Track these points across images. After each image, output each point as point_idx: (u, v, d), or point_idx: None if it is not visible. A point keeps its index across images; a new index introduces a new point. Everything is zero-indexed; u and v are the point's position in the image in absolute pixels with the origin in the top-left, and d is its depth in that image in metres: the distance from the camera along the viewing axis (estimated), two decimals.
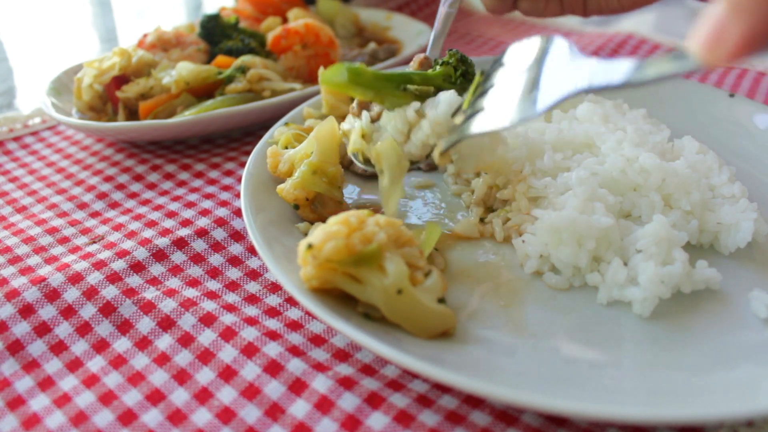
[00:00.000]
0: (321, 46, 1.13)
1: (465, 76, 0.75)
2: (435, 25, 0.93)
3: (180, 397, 0.60)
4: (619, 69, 0.52)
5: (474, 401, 0.58)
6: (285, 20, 1.26)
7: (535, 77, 0.61)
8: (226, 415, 0.58)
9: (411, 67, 0.82)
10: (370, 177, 0.89)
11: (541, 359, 0.59)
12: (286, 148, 0.83)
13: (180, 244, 0.80)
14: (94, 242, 0.82)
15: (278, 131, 0.87)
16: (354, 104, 0.79)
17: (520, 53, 0.66)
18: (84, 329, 0.68)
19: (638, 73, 0.51)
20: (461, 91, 0.74)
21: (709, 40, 0.45)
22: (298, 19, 1.20)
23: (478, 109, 0.66)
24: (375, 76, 0.72)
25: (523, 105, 0.60)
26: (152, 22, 1.70)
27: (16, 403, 0.60)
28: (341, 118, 0.92)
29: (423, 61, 0.81)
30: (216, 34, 1.16)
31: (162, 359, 0.64)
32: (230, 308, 0.70)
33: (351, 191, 0.86)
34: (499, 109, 0.64)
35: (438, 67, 0.76)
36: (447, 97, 0.71)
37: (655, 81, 0.50)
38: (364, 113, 0.76)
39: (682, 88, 1.02)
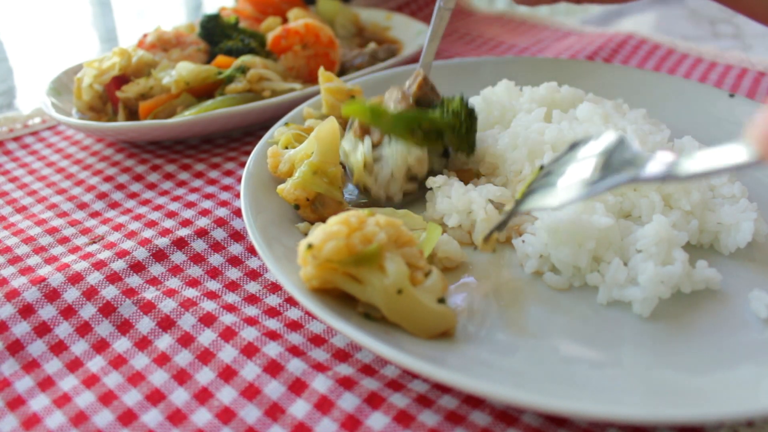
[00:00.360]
0: (321, 46, 1.13)
1: (468, 131, 0.81)
2: (431, 23, 0.93)
3: (180, 397, 0.60)
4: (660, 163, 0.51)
5: (474, 401, 0.58)
6: (285, 20, 1.26)
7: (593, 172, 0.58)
8: (226, 415, 0.58)
9: (409, 86, 0.86)
10: None
11: (541, 359, 0.59)
12: (287, 148, 0.83)
13: (180, 244, 0.80)
14: (94, 242, 0.82)
15: (278, 131, 0.87)
16: (356, 125, 0.82)
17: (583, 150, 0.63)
18: (84, 329, 0.68)
19: (681, 169, 0.49)
20: (460, 142, 0.81)
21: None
22: (298, 19, 1.20)
23: (533, 191, 0.64)
24: (394, 119, 0.78)
25: (577, 187, 0.57)
26: (152, 22, 1.70)
27: (16, 403, 0.60)
28: (341, 118, 0.93)
29: (422, 83, 0.85)
30: (216, 34, 1.16)
31: (162, 359, 0.64)
32: (230, 308, 0.70)
33: (351, 191, 0.86)
34: (553, 190, 0.61)
35: (446, 113, 0.80)
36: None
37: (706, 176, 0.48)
38: (367, 139, 0.80)
39: (682, 88, 1.02)
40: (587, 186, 0.56)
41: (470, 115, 0.81)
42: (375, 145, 0.80)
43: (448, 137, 0.81)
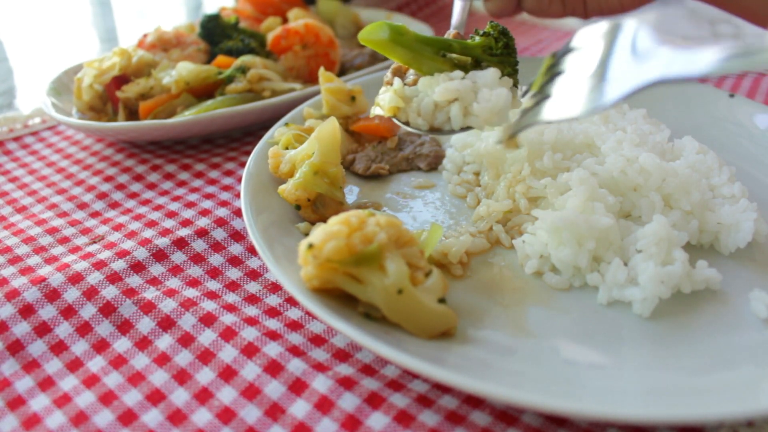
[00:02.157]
0: (321, 46, 1.13)
1: (507, 48, 0.74)
2: (453, 17, 0.92)
3: (180, 397, 0.60)
4: (698, 60, 0.50)
5: (474, 401, 0.58)
6: (285, 20, 1.27)
7: (604, 65, 0.61)
8: (226, 415, 0.58)
9: None
10: (370, 177, 0.89)
11: (541, 359, 0.59)
12: (287, 148, 0.83)
13: (180, 244, 0.80)
14: (94, 242, 0.82)
15: (278, 131, 0.87)
16: (388, 73, 0.79)
17: (589, 38, 0.66)
18: (84, 329, 0.68)
19: (720, 67, 0.49)
20: (500, 64, 0.74)
21: None
22: (298, 19, 1.20)
23: (547, 95, 0.66)
24: (416, 37, 0.73)
25: (592, 95, 0.60)
26: (152, 22, 1.70)
27: (16, 403, 0.60)
28: (341, 118, 0.93)
29: (456, 36, 0.80)
30: (216, 34, 1.16)
31: (162, 359, 0.64)
32: (230, 308, 0.70)
33: (351, 191, 0.86)
34: (568, 97, 0.63)
35: (477, 38, 0.75)
36: (502, 92, 0.70)
37: (736, 74, 0.48)
38: (397, 80, 0.76)
39: (682, 88, 1.02)
40: (600, 91, 0.57)
41: (504, 33, 0.74)
42: (409, 86, 0.75)
43: (486, 61, 0.73)
